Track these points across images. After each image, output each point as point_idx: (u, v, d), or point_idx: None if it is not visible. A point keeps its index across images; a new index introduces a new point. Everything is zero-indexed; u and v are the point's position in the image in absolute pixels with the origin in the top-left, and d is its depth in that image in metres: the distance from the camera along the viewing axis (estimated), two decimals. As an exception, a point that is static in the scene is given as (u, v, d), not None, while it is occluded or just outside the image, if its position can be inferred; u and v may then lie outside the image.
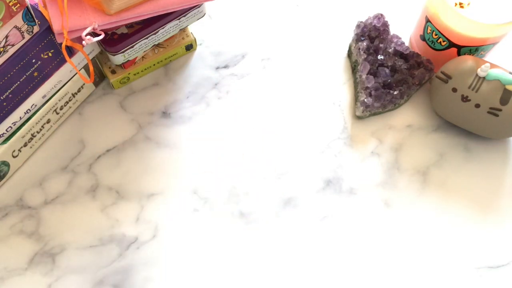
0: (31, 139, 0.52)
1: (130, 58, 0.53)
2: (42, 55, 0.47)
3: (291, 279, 0.48)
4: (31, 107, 0.50)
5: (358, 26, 0.57)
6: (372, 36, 0.56)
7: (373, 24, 0.56)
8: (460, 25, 0.49)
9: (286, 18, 0.61)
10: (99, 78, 0.56)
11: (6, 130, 0.49)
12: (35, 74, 0.48)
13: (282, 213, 0.51)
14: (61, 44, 0.48)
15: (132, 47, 0.52)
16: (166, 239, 0.50)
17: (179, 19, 0.52)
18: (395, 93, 0.54)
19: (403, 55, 0.55)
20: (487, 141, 0.53)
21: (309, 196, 0.51)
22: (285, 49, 0.59)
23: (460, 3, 0.49)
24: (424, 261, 0.48)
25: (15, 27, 0.43)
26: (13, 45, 0.44)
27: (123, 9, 0.46)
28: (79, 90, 0.54)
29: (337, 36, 0.60)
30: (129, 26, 0.51)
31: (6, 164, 0.51)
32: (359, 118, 0.55)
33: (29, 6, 0.43)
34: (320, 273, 0.48)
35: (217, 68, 0.58)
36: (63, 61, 0.50)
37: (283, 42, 0.60)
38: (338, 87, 0.57)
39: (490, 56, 0.54)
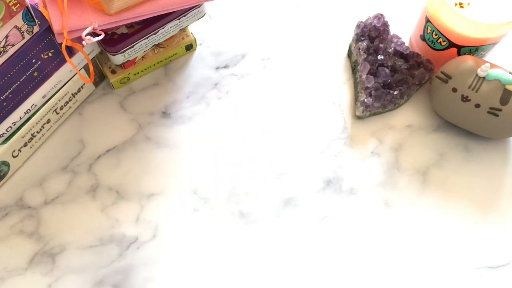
0: (31, 139, 0.52)
1: (130, 58, 0.53)
2: (42, 55, 0.47)
3: (291, 279, 0.48)
4: (31, 107, 0.50)
5: (358, 26, 0.57)
6: (372, 36, 0.56)
7: (373, 24, 0.56)
8: (460, 25, 0.49)
9: (286, 18, 0.61)
10: (99, 78, 0.56)
11: (6, 130, 0.49)
12: (35, 74, 0.48)
13: (282, 213, 0.51)
14: (61, 44, 0.48)
15: (132, 47, 0.52)
16: (166, 239, 0.50)
17: (179, 19, 0.52)
18: (395, 93, 0.54)
19: (403, 55, 0.55)
20: (487, 141, 0.53)
21: (309, 196, 0.51)
22: (285, 49, 0.59)
23: (460, 3, 0.49)
24: (424, 261, 0.48)
25: (15, 27, 0.43)
26: (13, 45, 0.44)
27: (123, 9, 0.46)
28: (79, 90, 0.54)
29: (337, 36, 0.60)
30: (129, 26, 0.51)
31: (6, 164, 0.51)
32: (359, 118, 0.55)
33: (29, 6, 0.43)
34: (320, 273, 0.48)
35: (217, 68, 0.58)
36: (63, 61, 0.50)
37: (283, 42, 0.60)
38: (338, 87, 0.57)
39: (490, 56, 0.54)
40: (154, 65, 0.57)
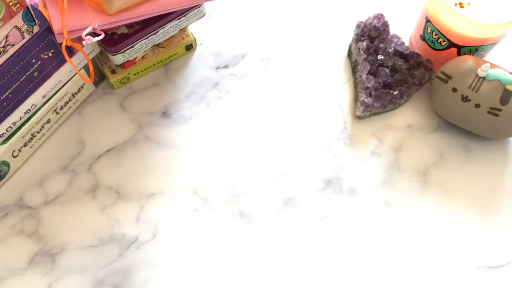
0: (31, 139, 0.52)
1: (130, 58, 0.53)
2: (42, 55, 0.47)
3: (291, 279, 0.48)
4: (31, 107, 0.50)
5: (358, 26, 0.57)
6: (372, 36, 0.56)
7: (373, 24, 0.56)
8: (460, 25, 0.49)
9: (286, 18, 0.61)
10: (99, 78, 0.56)
11: (6, 130, 0.49)
12: (35, 74, 0.48)
13: (282, 213, 0.51)
14: (61, 44, 0.48)
15: (132, 47, 0.52)
16: (166, 239, 0.50)
17: (179, 19, 0.52)
18: (395, 93, 0.54)
19: (403, 55, 0.55)
20: (487, 141, 0.53)
21: (309, 196, 0.51)
22: (285, 49, 0.59)
23: (460, 3, 0.49)
24: (424, 261, 0.48)
25: (15, 27, 0.43)
26: (13, 45, 0.44)
27: (123, 9, 0.46)
28: (79, 90, 0.54)
29: (337, 36, 0.60)
30: (129, 26, 0.51)
31: (6, 164, 0.51)
32: (359, 118, 0.55)
33: (29, 6, 0.43)
34: (320, 273, 0.48)
35: (217, 68, 0.58)
36: (63, 61, 0.50)
37: (283, 42, 0.60)
38: (338, 87, 0.57)
39: (490, 56, 0.54)
40: (154, 65, 0.57)
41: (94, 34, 0.49)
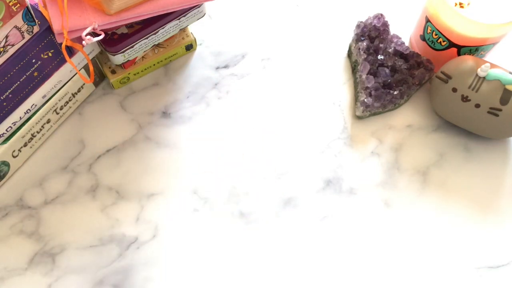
0: (31, 139, 0.52)
1: (130, 58, 0.53)
2: (42, 55, 0.47)
3: (291, 279, 0.48)
4: (31, 107, 0.50)
5: (358, 26, 0.57)
6: (372, 36, 0.56)
7: (373, 24, 0.56)
8: (460, 25, 0.49)
9: (286, 18, 0.61)
10: (99, 78, 0.56)
11: (6, 130, 0.49)
12: (35, 74, 0.48)
13: (282, 213, 0.51)
14: (61, 44, 0.48)
15: (132, 47, 0.52)
16: (166, 239, 0.50)
17: (179, 19, 0.52)
18: (395, 93, 0.54)
19: (403, 55, 0.55)
20: (487, 141, 0.53)
21: (309, 196, 0.51)
22: (285, 49, 0.59)
23: (460, 3, 0.49)
24: (424, 261, 0.48)
25: (15, 27, 0.43)
26: (13, 45, 0.44)
27: (123, 9, 0.46)
28: (79, 90, 0.54)
29: (337, 36, 0.60)
30: (129, 26, 0.51)
31: (6, 164, 0.51)
32: (359, 118, 0.55)
33: (29, 6, 0.43)
34: (320, 273, 0.48)
35: (217, 68, 0.58)
36: (63, 61, 0.50)
37: (283, 42, 0.60)
38: (338, 87, 0.57)
39: (490, 56, 0.54)
40: (154, 65, 0.57)
41: (94, 34, 0.49)
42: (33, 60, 0.47)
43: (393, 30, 0.57)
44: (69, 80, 0.52)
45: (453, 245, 0.49)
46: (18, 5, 0.42)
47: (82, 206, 0.51)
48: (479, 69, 0.48)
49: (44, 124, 0.52)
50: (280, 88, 0.57)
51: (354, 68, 0.57)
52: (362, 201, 0.51)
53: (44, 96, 0.51)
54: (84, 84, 0.54)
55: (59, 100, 0.52)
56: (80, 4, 0.46)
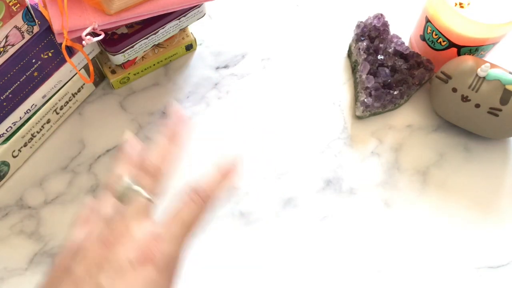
0: (31, 139, 0.52)
1: (130, 58, 0.53)
2: (42, 55, 0.47)
3: (291, 279, 0.48)
4: (31, 107, 0.50)
5: (358, 26, 0.57)
6: (372, 36, 0.56)
7: (373, 24, 0.56)
8: (460, 25, 0.49)
9: (286, 18, 0.61)
10: (99, 78, 0.56)
11: (6, 130, 0.49)
12: (35, 74, 0.48)
13: (282, 213, 0.51)
14: (61, 44, 0.48)
15: (132, 47, 0.52)
16: (166, 239, 0.50)
17: (179, 19, 0.52)
18: (395, 93, 0.54)
19: (403, 55, 0.55)
20: (487, 141, 0.53)
21: (309, 196, 0.51)
22: (285, 49, 0.59)
23: (460, 3, 0.49)
24: (424, 261, 0.48)
25: (15, 27, 0.43)
26: (13, 45, 0.44)
27: (123, 9, 0.46)
28: (79, 90, 0.54)
29: (337, 36, 0.60)
30: (129, 26, 0.51)
31: (6, 164, 0.51)
32: (359, 118, 0.55)
33: (29, 6, 0.43)
34: (320, 273, 0.48)
35: (217, 68, 0.58)
36: (63, 61, 0.50)
37: (283, 42, 0.60)
38: (338, 87, 0.57)
39: (490, 56, 0.54)
40: (154, 65, 0.57)
41: (94, 34, 0.49)
42: (33, 60, 0.47)
43: (393, 30, 0.57)
44: (69, 80, 0.52)
45: (453, 245, 0.49)
46: (18, 5, 0.42)
47: (82, 206, 0.51)
48: (479, 69, 0.48)
49: (44, 124, 0.52)
50: (280, 88, 0.57)
51: (354, 68, 0.57)
52: (362, 201, 0.51)
53: (44, 96, 0.51)
54: (84, 84, 0.54)
55: (59, 100, 0.52)
56: (80, 4, 0.46)
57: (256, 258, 0.49)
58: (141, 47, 0.52)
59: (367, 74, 0.54)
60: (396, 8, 0.61)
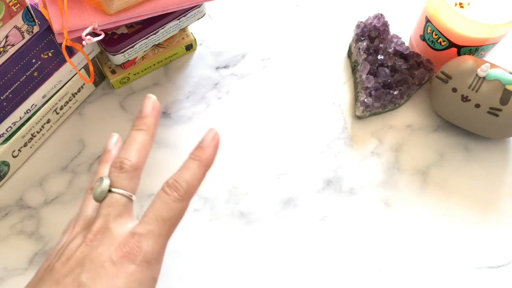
0: (31, 139, 0.52)
1: (130, 58, 0.53)
2: (42, 55, 0.47)
3: (291, 279, 0.48)
4: (31, 107, 0.50)
5: (358, 26, 0.57)
6: (372, 36, 0.56)
7: (373, 24, 0.56)
8: (460, 25, 0.49)
9: (286, 18, 0.61)
10: (99, 78, 0.56)
11: (6, 130, 0.49)
12: (35, 74, 0.48)
13: (282, 213, 0.51)
14: (61, 44, 0.48)
15: (132, 47, 0.52)
16: (166, 239, 0.50)
17: (179, 19, 0.52)
18: (395, 93, 0.54)
19: (403, 55, 0.55)
20: (487, 141, 0.53)
21: (309, 196, 0.51)
22: (285, 49, 0.59)
23: (460, 3, 0.49)
24: (424, 261, 0.48)
25: (15, 27, 0.43)
26: (13, 45, 0.44)
27: (123, 9, 0.46)
28: (79, 90, 0.54)
29: (337, 36, 0.60)
30: (129, 26, 0.51)
31: (6, 164, 0.51)
32: (359, 118, 0.55)
33: (29, 6, 0.43)
34: (320, 273, 0.48)
35: (217, 68, 0.58)
36: (63, 61, 0.50)
37: (283, 42, 0.60)
38: (338, 87, 0.57)
39: (490, 56, 0.54)
40: (154, 65, 0.57)
41: (94, 34, 0.49)
42: (33, 60, 0.47)
43: (393, 30, 0.57)
44: (69, 80, 0.52)
45: (453, 245, 0.49)
46: (18, 5, 0.42)
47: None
48: (479, 69, 0.48)
49: (44, 124, 0.52)
50: (280, 88, 0.57)
51: (354, 68, 0.57)
52: (362, 201, 0.51)
53: (44, 96, 0.51)
54: (84, 84, 0.54)
55: (59, 100, 0.52)
56: (80, 4, 0.46)
57: (256, 258, 0.49)
58: (141, 47, 0.52)
59: (367, 74, 0.54)
60: (396, 8, 0.61)
